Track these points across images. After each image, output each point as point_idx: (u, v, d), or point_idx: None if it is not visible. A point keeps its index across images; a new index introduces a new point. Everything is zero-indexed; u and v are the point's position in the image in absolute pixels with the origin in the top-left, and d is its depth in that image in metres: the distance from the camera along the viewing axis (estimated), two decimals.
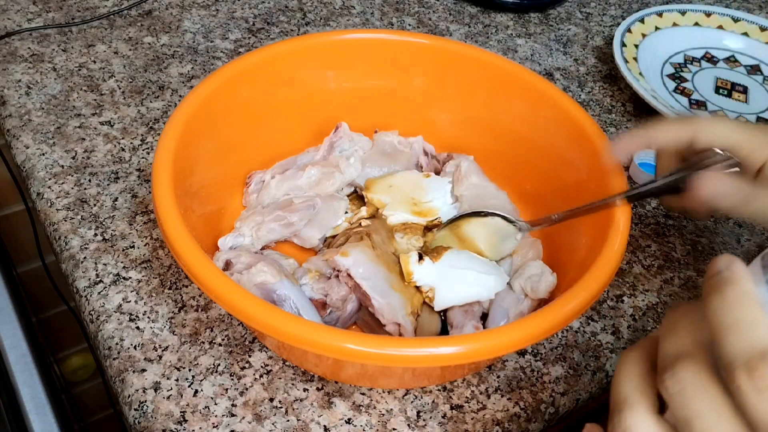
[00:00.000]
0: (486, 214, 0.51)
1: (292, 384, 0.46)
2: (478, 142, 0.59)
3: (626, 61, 0.73)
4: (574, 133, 0.51)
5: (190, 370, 0.46)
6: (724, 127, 0.42)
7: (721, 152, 0.42)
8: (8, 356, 0.63)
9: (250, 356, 0.47)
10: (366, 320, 0.48)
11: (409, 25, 0.81)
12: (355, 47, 0.57)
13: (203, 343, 0.47)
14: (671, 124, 0.44)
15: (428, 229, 0.53)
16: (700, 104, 0.73)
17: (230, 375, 0.46)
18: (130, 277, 0.51)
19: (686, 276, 0.56)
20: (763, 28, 0.82)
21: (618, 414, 0.25)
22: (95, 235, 0.53)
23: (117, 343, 0.47)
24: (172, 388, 0.44)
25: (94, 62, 0.70)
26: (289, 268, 0.49)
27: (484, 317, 0.48)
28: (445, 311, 0.49)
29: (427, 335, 0.47)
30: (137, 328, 0.47)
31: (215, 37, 0.76)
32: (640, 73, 0.74)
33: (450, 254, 0.50)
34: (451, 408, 0.45)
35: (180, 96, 0.67)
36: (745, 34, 0.82)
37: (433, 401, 0.46)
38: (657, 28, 0.80)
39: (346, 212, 0.54)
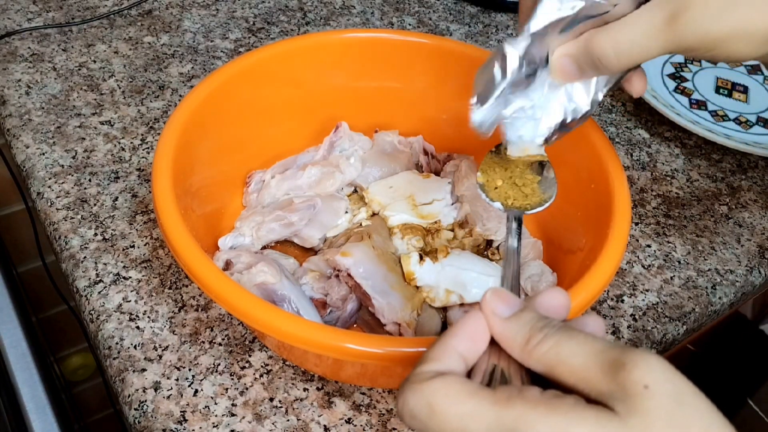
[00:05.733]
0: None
1: (292, 384, 0.46)
2: (478, 142, 0.59)
3: None
4: (574, 132, 0.51)
5: (190, 369, 0.46)
6: None
7: None
8: (8, 356, 0.63)
9: (250, 356, 0.47)
10: (366, 320, 0.48)
11: (410, 24, 0.81)
12: (355, 47, 0.57)
13: (203, 342, 0.47)
14: None
15: (428, 231, 0.53)
16: (701, 104, 0.73)
17: (230, 375, 0.46)
18: (130, 277, 0.51)
19: (686, 276, 0.56)
20: None
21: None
22: (95, 234, 0.53)
23: (117, 343, 0.47)
24: (172, 388, 0.44)
25: (94, 62, 0.70)
26: (289, 267, 0.49)
27: None
28: (445, 311, 0.49)
29: (427, 335, 0.47)
30: (137, 327, 0.47)
31: (215, 36, 0.76)
32: None
33: (451, 255, 0.50)
34: None
35: (180, 96, 0.67)
36: None
37: None
38: None
39: (346, 212, 0.54)
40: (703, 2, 0.34)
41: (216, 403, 0.44)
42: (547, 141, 0.42)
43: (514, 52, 0.37)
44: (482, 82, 0.39)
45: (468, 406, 0.25)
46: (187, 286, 0.51)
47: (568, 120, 0.41)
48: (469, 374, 0.29)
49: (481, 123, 0.40)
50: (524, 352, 0.27)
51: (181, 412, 0.43)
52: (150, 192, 0.57)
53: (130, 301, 0.49)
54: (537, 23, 0.37)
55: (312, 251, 0.53)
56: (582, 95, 0.40)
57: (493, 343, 0.29)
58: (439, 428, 0.25)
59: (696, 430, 0.23)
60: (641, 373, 0.23)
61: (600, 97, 0.40)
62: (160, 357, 0.46)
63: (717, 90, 0.76)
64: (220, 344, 0.47)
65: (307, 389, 0.45)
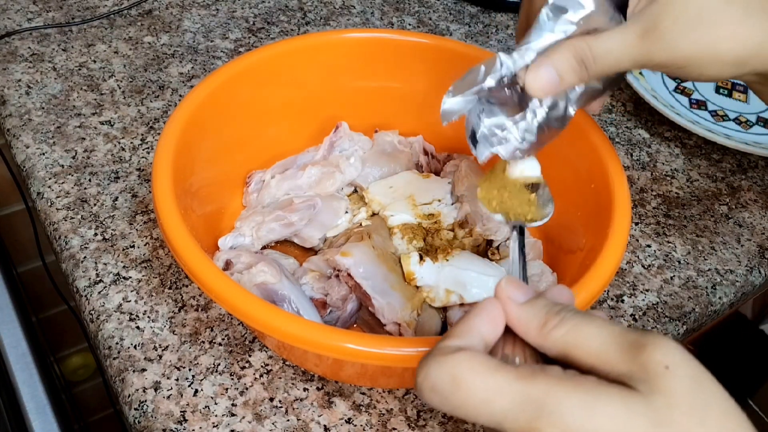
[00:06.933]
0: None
1: (292, 384, 0.46)
2: None
3: None
4: (574, 133, 0.51)
5: (190, 369, 0.46)
6: None
7: None
8: (8, 356, 0.63)
9: (250, 356, 0.47)
10: (366, 320, 0.48)
11: (410, 24, 0.81)
12: (355, 47, 0.57)
13: (203, 342, 0.47)
14: None
15: (428, 231, 0.53)
16: (701, 104, 0.73)
17: (230, 375, 0.46)
18: (130, 277, 0.51)
19: (686, 276, 0.56)
20: None
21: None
22: (95, 234, 0.53)
23: (117, 343, 0.47)
24: (172, 388, 0.44)
25: (94, 62, 0.70)
26: (289, 267, 0.49)
27: None
28: (445, 311, 0.49)
29: (427, 335, 0.47)
30: (137, 327, 0.47)
31: (215, 36, 0.76)
32: (640, 73, 0.74)
33: (451, 255, 0.50)
34: None
35: (180, 96, 0.67)
36: None
37: None
38: None
39: (346, 212, 0.54)
40: (671, 22, 0.35)
41: (216, 403, 0.44)
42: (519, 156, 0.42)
43: (501, 61, 0.38)
44: (467, 77, 0.40)
45: (493, 380, 0.25)
46: (187, 286, 0.51)
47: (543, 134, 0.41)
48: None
49: (446, 112, 0.41)
50: (540, 335, 0.27)
51: (181, 412, 0.43)
52: (150, 192, 0.57)
53: (130, 301, 0.49)
54: (537, 45, 0.38)
55: (312, 251, 0.53)
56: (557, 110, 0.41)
57: (507, 332, 0.29)
58: (462, 402, 0.25)
59: (715, 410, 0.24)
60: (662, 354, 0.24)
61: (572, 112, 0.40)
62: (160, 357, 0.46)
63: (717, 90, 0.76)
64: (220, 344, 0.47)
65: (307, 389, 0.45)
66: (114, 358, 0.46)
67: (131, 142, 0.61)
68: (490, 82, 0.39)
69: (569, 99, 0.40)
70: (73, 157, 0.59)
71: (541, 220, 0.42)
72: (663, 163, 0.67)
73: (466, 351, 0.26)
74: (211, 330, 0.48)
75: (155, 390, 0.44)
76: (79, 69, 0.69)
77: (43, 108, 0.64)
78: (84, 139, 0.61)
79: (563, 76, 0.37)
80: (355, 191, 0.58)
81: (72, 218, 0.54)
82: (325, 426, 0.44)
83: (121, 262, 0.52)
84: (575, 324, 0.26)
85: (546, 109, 0.40)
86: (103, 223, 0.54)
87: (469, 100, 0.40)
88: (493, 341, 0.29)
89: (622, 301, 0.53)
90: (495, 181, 0.45)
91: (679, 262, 0.57)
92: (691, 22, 0.35)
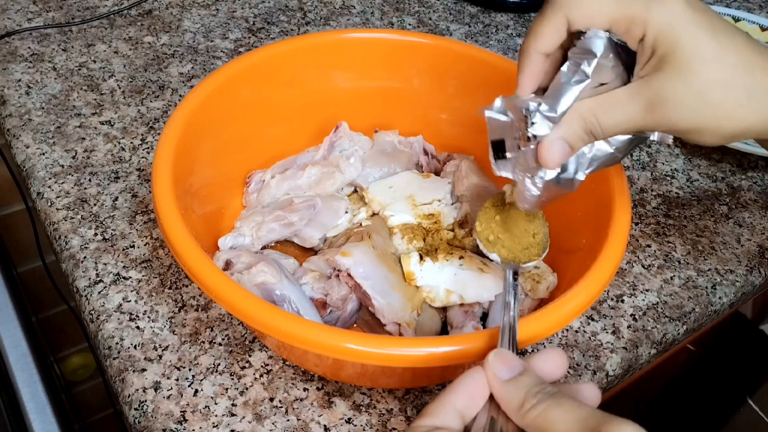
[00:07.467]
0: None
1: (292, 384, 0.46)
2: (478, 142, 0.59)
3: None
4: None
5: (190, 369, 0.46)
6: (595, 3, 0.37)
7: (601, 32, 0.38)
8: (8, 356, 0.63)
9: (250, 356, 0.47)
10: (366, 320, 0.48)
11: (409, 24, 0.81)
12: (355, 47, 0.57)
13: (203, 342, 0.47)
14: (544, 24, 0.39)
15: (428, 231, 0.53)
16: None
17: (230, 375, 0.46)
18: (130, 277, 0.51)
19: (686, 276, 0.56)
20: (763, 28, 0.82)
21: None
22: (95, 234, 0.53)
23: (117, 343, 0.47)
24: (172, 388, 0.44)
25: (94, 62, 0.70)
26: (289, 267, 0.49)
27: (484, 317, 0.48)
28: (445, 311, 0.49)
29: (427, 335, 0.47)
30: (137, 327, 0.47)
31: (215, 36, 0.76)
32: None
33: (451, 255, 0.50)
34: None
35: (180, 96, 0.67)
36: (746, 34, 0.82)
37: None
38: None
39: (346, 212, 0.54)
40: (674, 101, 0.37)
41: (216, 403, 0.44)
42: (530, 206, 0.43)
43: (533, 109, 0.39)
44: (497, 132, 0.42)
45: None
46: (187, 286, 0.51)
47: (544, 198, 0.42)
48: (469, 427, 0.32)
49: (494, 107, 0.42)
50: (518, 415, 0.30)
51: (181, 412, 0.43)
52: (150, 192, 0.57)
53: (130, 301, 0.49)
54: (563, 106, 0.39)
55: (312, 251, 0.53)
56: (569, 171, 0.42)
57: (494, 397, 0.32)
58: None
59: None
60: None
61: (582, 177, 0.41)
62: (160, 357, 0.46)
63: None
64: (220, 344, 0.47)
65: (307, 389, 0.45)
66: (114, 358, 0.46)
67: (131, 142, 0.61)
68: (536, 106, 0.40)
69: (580, 164, 0.41)
70: (73, 157, 0.59)
71: (533, 262, 0.44)
72: (663, 163, 0.67)
73: None
74: (211, 330, 0.48)
75: (155, 390, 0.44)
76: (79, 69, 0.69)
77: (43, 108, 0.64)
78: (84, 139, 0.61)
79: (573, 146, 0.39)
80: (355, 191, 0.58)
81: (72, 218, 0.54)
82: (325, 426, 0.44)
83: (121, 262, 0.52)
84: (547, 407, 0.29)
85: (556, 172, 0.41)
86: (103, 223, 0.54)
87: (507, 111, 0.41)
88: (473, 413, 0.32)
89: (622, 301, 0.53)
90: (495, 212, 0.47)
91: (679, 262, 0.57)
92: (693, 103, 0.36)
